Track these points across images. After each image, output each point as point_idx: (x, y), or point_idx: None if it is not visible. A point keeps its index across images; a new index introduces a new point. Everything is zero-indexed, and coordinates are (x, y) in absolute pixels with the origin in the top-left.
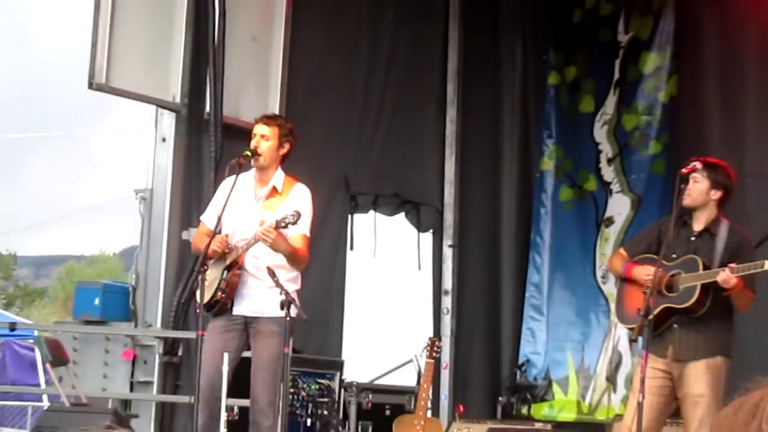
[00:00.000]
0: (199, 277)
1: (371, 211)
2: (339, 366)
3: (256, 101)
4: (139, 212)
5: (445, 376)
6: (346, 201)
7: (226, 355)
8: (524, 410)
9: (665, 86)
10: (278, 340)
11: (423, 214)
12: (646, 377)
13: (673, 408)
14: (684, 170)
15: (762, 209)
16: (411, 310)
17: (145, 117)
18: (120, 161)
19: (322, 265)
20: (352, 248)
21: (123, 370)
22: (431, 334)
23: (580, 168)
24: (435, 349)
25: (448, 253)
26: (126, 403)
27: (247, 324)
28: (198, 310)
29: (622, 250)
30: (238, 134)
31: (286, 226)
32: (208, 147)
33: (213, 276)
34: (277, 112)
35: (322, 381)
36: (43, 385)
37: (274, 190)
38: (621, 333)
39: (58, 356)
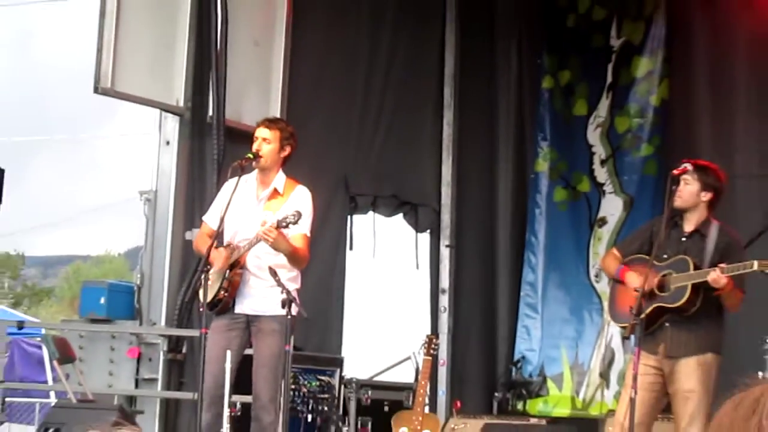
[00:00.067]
0: (202, 277)
1: (370, 212)
2: (339, 363)
3: (258, 105)
4: (144, 213)
5: (443, 372)
6: (345, 202)
7: (228, 353)
8: (519, 406)
9: (657, 90)
10: (279, 338)
11: (421, 214)
12: (639, 374)
13: (664, 403)
14: (675, 172)
15: (751, 210)
16: (409, 309)
17: (149, 120)
18: (124, 164)
19: (322, 265)
20: (351, 248)
21: (128, 368)
22: (429, 332)
23: (573, 169)
24: (432, 346)
25: (445, 252)
26: (131, 400)
27: (249, 322)
28: (201, 309)
29: (614, 250)
30: (240, 137)
31: (287, 226)
32: (211, 150)
33: (216, 276)
34: (278, 115)
35: (323, 378)
36: (50, 382)
37: (276, 191)
38: (614, 330)
39: (64, 354)
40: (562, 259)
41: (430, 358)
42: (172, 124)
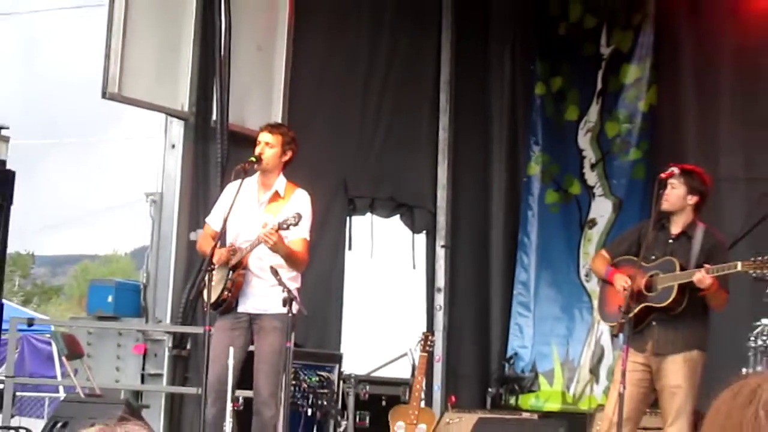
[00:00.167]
0: (206, 277)
1: (368, 214)
2: (338, 359)
3: (260, 109)
4: (150, 214)
5: (438, 368)
6: (344, 204)
7: (231, 350)
8: (512, 401)
9: (645, 96)
10: (280, 335)
11: (417, 216)
12: (627, 370)
13: (652, 399)
14: (662, 176)
15: (736, 212)
16: (406, 307)
17: (155, 125)
18: (131, 166)
19: (322, 265)
20: (350, 248)
21: (134, 363)
22: (425, 330)
23: (565, 173)
24: (428, 343)
25: (440, 253)
26: (137, 395)
27: (252, 321)
28: (205, 308)
29: (604, 252)
30: (243, 141)
31: (287, 228)
32: (215, 153)
33: (219, 276)
34: (279, 120)
35: (322, 373)
36: (59, 377)
37: (277, 194)
38: (603, 328)
39: (73, 350)
40: (553, 259)
41: (426, 354)
42: (177, 128)
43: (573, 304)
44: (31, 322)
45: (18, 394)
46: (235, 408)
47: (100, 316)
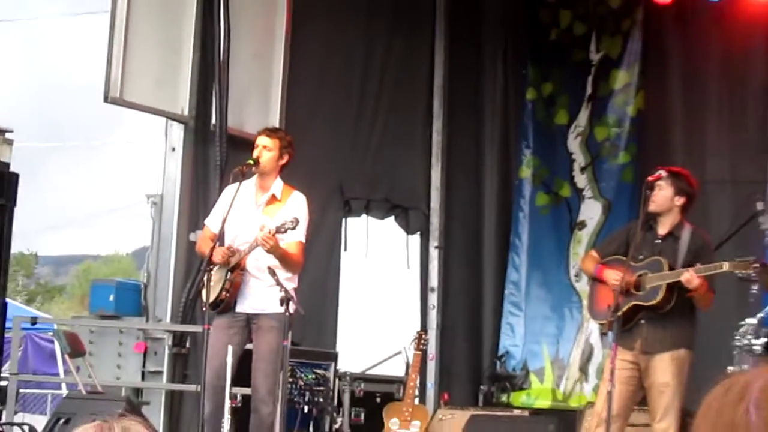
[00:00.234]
0: (205, 277)
1: (364, 215)
2: (334, 357)
3: (258, 114)
4: (150, 216)
5: (432, 366)
6: (340, 205)
7: (230, 348)
8: (504, 398)
9: (633, 101)
10: (277, 334)
11: (411, 217)
12: (616, 368)
13: (640, 396)
14: (650, 178)
15: (722, 214)
16: (400, 306)
17: (156, 128)
18: (132, 169)
19: (318, 265)
20: (346, 249)
21: (135, 361)
22: (419, 328)
23: (555, 176)
24: (422, 341)
25: (434, 253)
26: (138, 392)
27: (249, 320)
28: (204, 308)
29: (593, 252)
30: (242, 145)
31: (285, 231)
32: (214, 156)
33: (218, 277)
34: (277, 123)
35: (318, 371)
36: (61, 375)
37: (274, 197)
38: (593, 327)
39: (75, 348)
40: (544, 259)
41: (419, 352)
42: (178, 131)
43: (563, 303)
44: (34, 320)
45: (21, 390)
46: (233, 405)
47: (101, 315)
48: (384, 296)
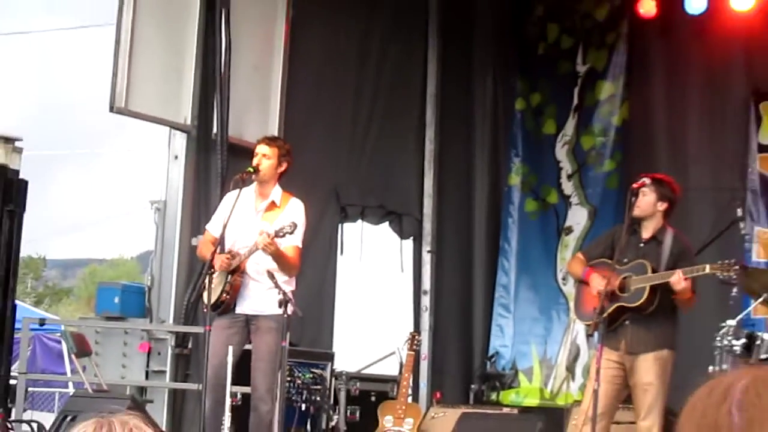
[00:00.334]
0: (206, 280)
1: (359, 221)
2: (330, 357)
3: (258, 124)
4: (154, 221)
5: (424, 366)
6: (336, 212)
7: (230, 349)
8: (493, 396)
9: (618, 111)
10: (276, 335)
11: (405, 223)
12: (601, 368)
13: (624, 395)
14: (634, 185)
15: (703, 219)
16: (394, 308)
17: (160, 137)
18: (137, 176)
19: (315, 269)
20: (342, 253)
21: (139, 361)
22: (412, 330)
23: (543, 183)
24: (415, 342)
25: (426, 257)
26: (142, 390)
27: (248, 321)
28: (205, 309)
29: (580, 255)
30: (242, 153)
31: (283, 236)
32: (216, 164)
33: (218, 279)
34: (276, 133)
35: (315, 371)
36: (68, 374)
37: (273, 203)
38: (579, 328)
39: (82, 348)
40: (532, 263)
41: (412, 353)
42: (180, 140)
43: (551, 305)
44: (42, 321)
45: (30, 389)
46: (234, 403)
47: (107, 316)
48: (379, 299)
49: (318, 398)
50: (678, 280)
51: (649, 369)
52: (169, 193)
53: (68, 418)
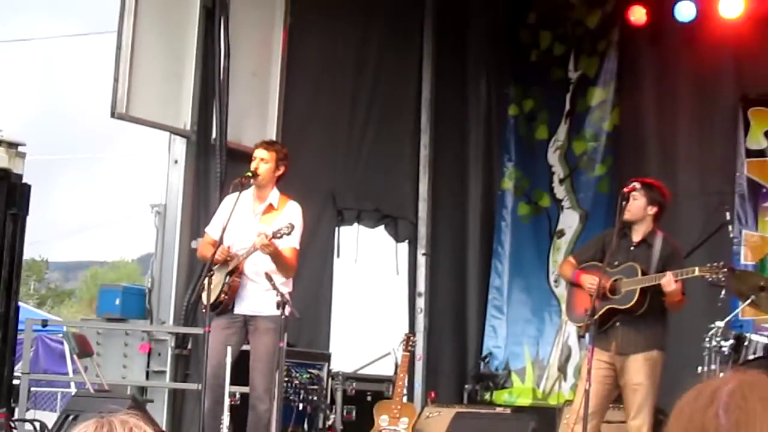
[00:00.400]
0: (206, 281)
1: (355, 224)
2: (327, 358)
3: (256, 128)
4: (154, 224)
5: (419, 367)
6: (333, 215)
7: (229, 349)
8: (487, 396)
9: (609, 117)
10: (274, 335)
11: (400, 226)
12: (592, 368)
13: (615, 395)
14: (625, 189)
15: (692, 223)
16: (389, 310)
17: (160, 142)
18: (137, 180)
19: (312, 271)
20: (338, 256)
21: (140, 361)
22: (407, 331)
23: (535, 187)
24: (410, 343)
25: (421, 260)
26: (143, 390)
27: (246, 322)
28: (204, 310)
29: (571, 258)
30: (241, 157)
31: (281, 237)
32: (215, 168)
33: (217, 280)
34: (274, 138)
35: (313, 371)
36: (70, 374)
37: (271, 206)
38: (571, 329)
39: (84, 349)
40: (525, 266)
41: (407, 353)
42: (180, 145)
43: (543, 307)
44: (45, 323)
45: (33, 389)
46: (232, 403)
47: (108, 317)
48: (374, 300)
49: (315, 398)
50: (669, 282)
51: (639, 369)
52: (169, 196)
53: (70, 417)
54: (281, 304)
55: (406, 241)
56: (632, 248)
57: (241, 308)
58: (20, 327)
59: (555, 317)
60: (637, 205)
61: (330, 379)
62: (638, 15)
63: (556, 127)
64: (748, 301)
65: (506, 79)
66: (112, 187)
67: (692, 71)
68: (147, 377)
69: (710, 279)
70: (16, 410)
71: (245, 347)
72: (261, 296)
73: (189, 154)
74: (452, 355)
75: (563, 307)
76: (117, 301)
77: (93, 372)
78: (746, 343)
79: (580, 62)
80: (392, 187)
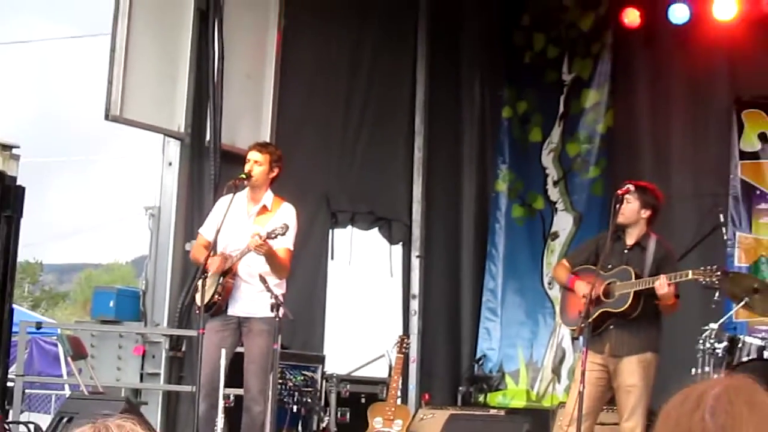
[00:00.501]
0: (199, 283)
1: (349, 226)
2: (321, 360)
3: (250, 131)
4: (149, 227)
5: (413, 369)
6: (327, 217)
7: (223, 351)
8: (481, 398)
9: (603, 119)
10: (268, 337)
11: (394, 228)
12: (586, 370)
13: (608, 396)
14: (619, 192)
15: (686, 225)
16: (383, 312)
17: (154, 145)
18: (131, 183)
19: (306, 273)
20: (332, 258)
21: (134, 364)
22: (401, 333)
23: (529, 189)
24: (404, 345)
25: (415, 262)
26: (137, 392)
27: (240, 323)
28: (197, 312)
29: (564, 261)
30: (234, 159)
31: (275, 237)
32: (209, 170)
33: (210, 281)
34: (268, 140)
35: (307, 373)
36: (65, 376)
37: (264, 208)
38: (564, 331)
39: (78, 351)
40: (519, 268)
41: (402, 355)
42: (174, 147)
43: (537, 309)
44: (39, 325)
45: (27, 391)
46: (227, 405)
47: (102, 320)
48: (368, 303)
49: (309, 400)
50: (662, 285)
51: (633, 371)
52: (163, 199)
53: (64, 420)
54: (275, 306)
55: (400, 243)
56: (626, 251)
57: (235, 310)
58: (14, 329)
59: (549, 319)
60: (631, 209)
61: (324, 381)
62: (632, 17)
63: (549, 130)
64: (742, 303)
65: (500, 82)
66: (106, 190)
67: (686, 73)
68: (141, 379)
69: (704, 282)
70: (11, 412)
71: (239, 349)
72: (255, 298)
73: (183, 156)
74: (446, 357)
75: (557, 309)
76: (111, 304)
77: (87, 374)
78: (740, 345)
79: (573, 64)
80: (386, 189)
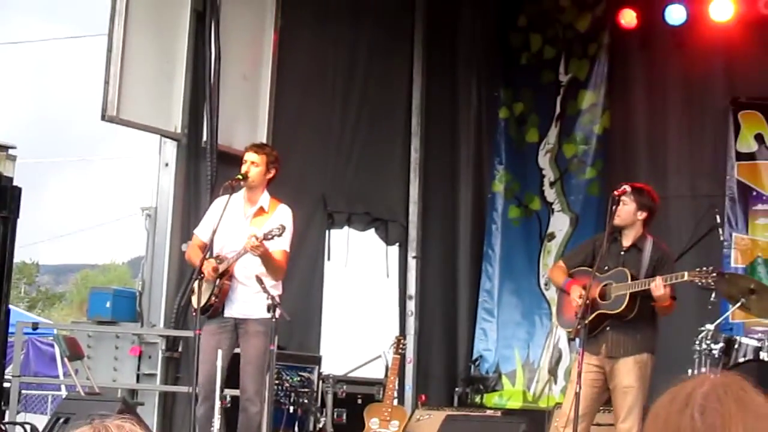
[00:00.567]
0: (195, 284)
1: (346, 227)
2: (317, 360)
3: (247, 132)
4: (145, 227)
5: (410, 369)
6: (324, 218)
7: (220, 352)
8: (477, 399)
9: (599, 120)
10: (264, 338)
11: (390, 229)
12: (583, 371)
13: (605, 398)
14: (615, 193)
15: (682, 227)
16: (380, 313)
17: (150, 145)
18: (128, 183)
19: (303, 274)
20: (329, 259)
21: (131, 364)
22: (397, 334)
23: (526, 190)
24: (401, 346)
25: (412, 263)
26: (133, 393)
27: (237, 325)
28: (194, 313)
29: (561, 263)
30: (231, 160)
31: (272, 238)
32: (205, 171)
33: (207, 283)
34: (264, 141)
35: (303, 374)
36: (61, 377)
37: (261, 209)
38: (561, 332)
39: (74, 352)
40: (515, 269)
41: (398, 356)
42: (171, 148)
43: (533, 310)
44: (35, 326)
45: (23, 392)
46: (223, 405)
47: (99, 320)
48: (365, 303)
49: (305, 401)
50: (658, 286)
51: (629, 372)
52: (159, 199)
53: (61, 420)
54: (271, 307)
55: (397, 244)
56: (622, 253)
57: (232, 311)
58: (11, 330)
59: (545, 320)
60: (627, 211)
61: (320, 382)
62: (629, 18)
63: (546, 130)
64: (738, 304)
65: (497, 82)
66: (102, 190)
67: (683, 74)
68: (137, 380)
69: (700, 283)
70: (7, 413)
71: (236, 350)
72: (251, 299)
73: (179, 157)
74: (443, 358)
75: (554, 310)
76: (107, 304)
77: (83, 375)
78: (736, 346)
79: (570, 65)
80: (383, 190)
